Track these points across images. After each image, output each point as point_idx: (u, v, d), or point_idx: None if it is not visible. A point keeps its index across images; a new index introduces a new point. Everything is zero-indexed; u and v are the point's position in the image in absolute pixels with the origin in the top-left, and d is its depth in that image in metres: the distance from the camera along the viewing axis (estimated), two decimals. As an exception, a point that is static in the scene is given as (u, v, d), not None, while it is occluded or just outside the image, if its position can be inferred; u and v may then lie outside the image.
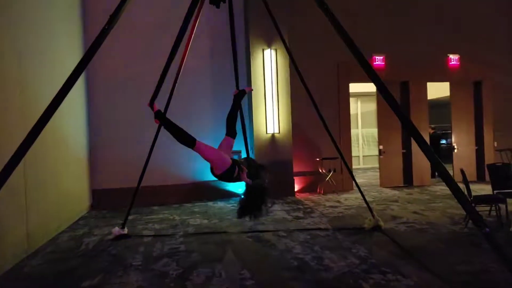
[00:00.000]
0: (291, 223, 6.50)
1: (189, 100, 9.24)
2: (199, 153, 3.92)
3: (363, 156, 17.31)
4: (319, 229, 6.02)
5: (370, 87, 13.99)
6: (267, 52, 9.32)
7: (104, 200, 8.73)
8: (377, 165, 16.15)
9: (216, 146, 4.18)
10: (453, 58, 10.57)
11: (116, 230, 5.89)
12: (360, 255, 4.59)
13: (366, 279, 3.81)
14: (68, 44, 7.57)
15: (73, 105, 7.75)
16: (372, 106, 17.98)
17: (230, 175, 3.97)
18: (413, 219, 6.46)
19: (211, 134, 9.40)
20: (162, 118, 4.17)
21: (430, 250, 4.73)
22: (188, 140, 3.91)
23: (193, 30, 5.44)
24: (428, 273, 3.94)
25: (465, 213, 6.09)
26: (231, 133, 4.41)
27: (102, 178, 8.88)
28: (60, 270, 4.53)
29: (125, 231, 5.95)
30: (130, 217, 7.26)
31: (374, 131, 17.08)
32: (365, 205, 7.70)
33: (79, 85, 8.26)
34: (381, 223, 5.81)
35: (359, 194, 9.25)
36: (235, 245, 5.28)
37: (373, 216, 5.87)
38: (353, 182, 6.30)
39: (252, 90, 4.66)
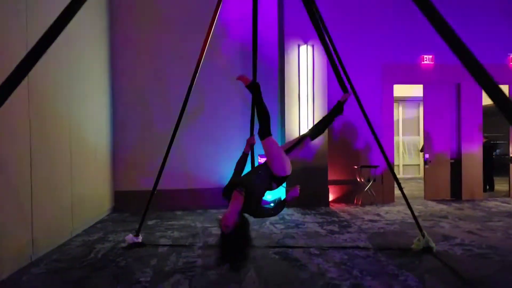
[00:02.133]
0: (325, 239, 5.73)
1: (217, 97, 8.68)
2: (265, 150, 3.78)
3: (403, 165, 16.24)
4: (358, 247, 5.21)
5: (413, 92, 13.11)
6: (303, 48, 8.58)
7: (127, 202, 8.26)
8: (417, 175, 15.16)
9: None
10: (514, 58, 9.46)
11: (130, 237, 5.32)
12: (410, 285, 3.78)
13: (421, 322, 3.01)
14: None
15: (96, 103, 7.33)
16: (414, 112, 16.89)
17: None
18: (470, 240, 5.53)
19: (243, 135, 8.78)
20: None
21: (500, 284, 3.84)
22: (268, 128, 3.79)
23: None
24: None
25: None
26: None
27: (126, 179, 8.43)
28: (57, 283, 3.98)
29: (140, 239, 5.37)
30: (150, 222, 6.79)
31: (416, 139, 16.07)
32: (409, 221, 6.91)
33: (104, 83, 7.86)
34: (433, 245, 4.94)
35: (401, 207, 8.46)
36: (259, 263, 4.57)
37: (422, 235, 5.01)
38: (401, 193, 5.43)
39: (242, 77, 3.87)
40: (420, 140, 15.58)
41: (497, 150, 14.19)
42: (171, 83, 8.48)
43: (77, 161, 6.18)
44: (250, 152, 4.41)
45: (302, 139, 4.21)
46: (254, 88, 3.92)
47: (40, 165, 4.91)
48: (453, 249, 5.10)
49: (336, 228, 6.40)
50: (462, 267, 4.31)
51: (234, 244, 3.31)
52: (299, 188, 3.69)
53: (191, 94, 5.40)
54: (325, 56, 8.57)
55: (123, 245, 5.32)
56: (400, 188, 5.38)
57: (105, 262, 4.62)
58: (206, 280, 4.00)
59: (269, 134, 3.84)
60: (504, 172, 11.92)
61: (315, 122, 4.61)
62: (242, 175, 3.92)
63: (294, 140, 4.28)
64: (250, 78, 4.21)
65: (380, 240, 5.61)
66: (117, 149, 8.37)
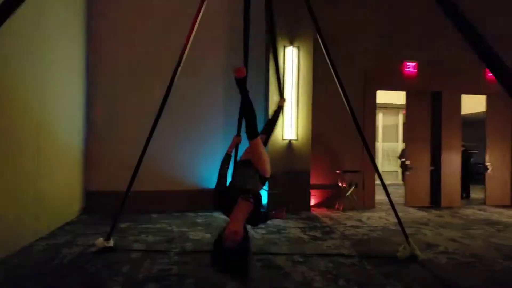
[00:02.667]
0: (308, 245, 5.51)
1: (195, 102, 8.38)
2: (254, 150, 3.44)
3: (382, 171, 16.26)
4: (342, 255, 5.00)
5: (393, 99, 13.12)
6: (289, 49, 8.38)
7: (98, 203, 7.81)
8: (396, 182, 15.18)
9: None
10: (493, 68, 9.50)
11: (100, 241, 4.96)
12: (399, 297, 3.59)
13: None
14: None
15: (67, 97, 6.91)
16: (394, 119, 16.99)
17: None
18: (453, 248, 5.41)
19: (222, 136, 8.52)
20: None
21: (490, 296, 3.70)
22: (255, 128, 3.41)
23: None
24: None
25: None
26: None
27: (98, 179, 7.99)
28: (19, 292, 3.62)
29: (111, 243, 5.02)
30: (123, 225, 6.44)
31: (395, 145, 16.15)
32: (391, 227, 6.82)
33: (78, 76, 7.45)
34: (418, 253, 4.79)
35: (382, 213, 8.35)
36: (239, 271, 4.28)
37: (408, 243, 4.85)
38: (388, 200, 5.25)
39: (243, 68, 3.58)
40: (398, 147, 15.67)
41: (472, 159, 14.38)
42: (148, 78, 8.13)
43: (45, 158, 5.77)
44: (233, 153, 4.13)
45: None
46: (244, 84, 3.63)
47: (1, 160, 4.50)
48: (437, 257, 4.96)
49: (318, 234, 6.19)
50: (449, 277, 4.16)
51: (235, 259, 2.86)
52: (285, 211, 3.45)
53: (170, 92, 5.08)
54: (312, 58, 8.47)
55: (93, 249, 4.95)
56: (388, 195, 5.20)
57: (71, 269, 4.25)
58: (183, 290, 3.71)
59: (258, 133, 3.60)
60: (476, 181, 12.08)
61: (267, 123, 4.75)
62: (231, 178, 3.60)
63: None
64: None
65: (364, 247, 5.43)
66: (89, 147, 7.94)
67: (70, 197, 7.05)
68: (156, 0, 8.36)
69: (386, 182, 13.76)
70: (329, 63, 4.92)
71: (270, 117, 4.84)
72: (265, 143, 4.00)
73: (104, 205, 7.75)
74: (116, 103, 8.10)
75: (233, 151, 4.18)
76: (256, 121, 3.64)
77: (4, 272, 4.13)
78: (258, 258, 4.81)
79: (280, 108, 4.84)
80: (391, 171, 16.08)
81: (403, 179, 11.96)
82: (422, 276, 4.20)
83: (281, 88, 5.93)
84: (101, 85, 8.02)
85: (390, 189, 12.28)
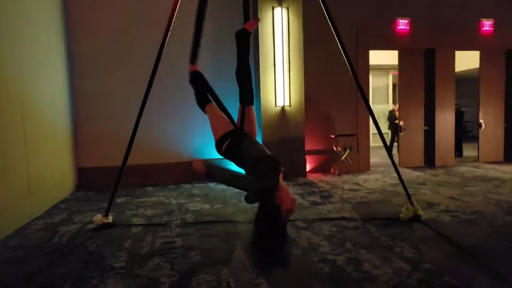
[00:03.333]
0: (309, 210, 5.46)
1: (184, 69, 8.04)
2: (253, 117, 3.48)
3: (372, 133, 16.26)
4: (345, 218, 4.97)
5: (383, 59, 12.94)
6: (278, 10, 8.08)
7: (92, 179, 7.67)
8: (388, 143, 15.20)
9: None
10: (486, 24, 9.35)
11: (99, 218, 4.84)
12: (408, 257, 3.56)
13: (431, 298, 2.78)
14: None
15: (50, 71, 6.59)
16: (383, 80, 16.85)
17: (227, 151, 3.29)
18: (454, 206, 5.41)
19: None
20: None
21: (497, 251, 3.68)
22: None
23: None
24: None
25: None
26: (241, 98, 3.38)
27: (89, 155, 7.79)
28: (16, 274, 3.49)
29: (109, 219, 4.90)
30: (119, 200, 6.33)
31: (386, 107, 16.08)
32: (390, 189, 6.81)
33: (59, 48, 7.09)
34: (421, 213, 4.77)
35: (378, 175, 8.35)
36: (245, 240, 4.23)
37: (411, 203, 4.82)
38: (391, 162, 5.14)
39: (258, 20, 3.26)
40: (389, 109, 15.61)
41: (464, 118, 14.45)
42: (135, 47, 7.82)
43: (33, 137, 5.56)
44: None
45: None
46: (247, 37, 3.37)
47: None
48: (440, 216, 4.96)
49: (318, 199, 6.15)
50: (454, 235, 4.14)
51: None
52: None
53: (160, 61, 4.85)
54: (301, 19, 8.19)
55: (91, 226, 4.84)
56: (391, 158, 5.11)
57: (71, 247, 4.14)
58: (189, 262, 3.62)
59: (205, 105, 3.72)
60: (468, 138, 12.14)
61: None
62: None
63: None
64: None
65: (365, 209, 5.41)
66: (78, 123, 7.69)
67: (62, 175, 6.87)
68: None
69: (377, 144, 13.78)
70: (329, 21, 4.68)
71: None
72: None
73: (97, 181, 7.62)
74: (101, 76, 7.78)
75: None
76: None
77: (4, 253, 4.01)
78: (260, 226, 4.74)
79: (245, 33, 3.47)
80: (383, 133, 16.09)
81: (393, 140, 11.99)
82: (427, 235, 4.19)
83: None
84: (84, 58, 7.67)
85: (381, 151, 12.41)
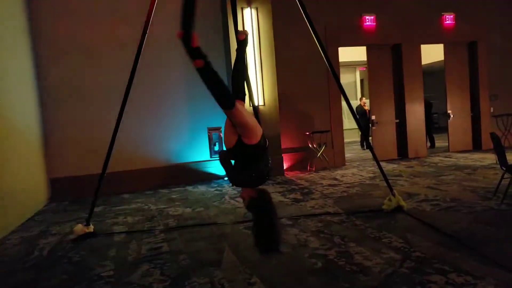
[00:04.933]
0: (292, 208, 5.47)
1: (156, 70, 7.95)
2: (235, 118, 2.63)
3: (344, 129, 16.50)
4: (329, 213, 5.01)
5: (349, 56, 13.16)
6: (247, 11, 8.08)
7: (65, 190, 7.41)
8: (357, 139, 15.46)
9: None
10: (448, 17, 9.67)
11: (79, 228, 4.67)
12: (397, 247, 3.62)
13: (425, 285, 2.82)
14: None
15: (16, 77, 6.33)
16: (351, 77, 17.17)
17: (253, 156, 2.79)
18: (433, 195, 5.55)
19: (187, 108, 8.22)
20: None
21: (481, 236, 3.79)
22: (228, 99, 2.54)
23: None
24: (499, 269, 3.00)
25: (494, 186, 5.29)
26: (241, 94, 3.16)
27: (62, 164, 7.52)
28: (2, 291, 3.34)
29: (91, 228, 4.74)
30: (97, 209, 6.08)
31: (355, 103, 16.36)
32: (368, 182, 6.93)
33: (25, 55, 6.82)
34: (403, 203, 4.87)
35: (354, 170, 8.48)
36: (232, 241, 4.19)
37: (393, 194, 4.91)
38: (372, 155, 5.23)
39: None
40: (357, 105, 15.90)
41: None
42: (106, 54, 7.63)
43: (3, 147, 5.32)
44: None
45: None
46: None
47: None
48: (421, 205, 5.08)
49: (299, 196, 6.18)
50: (438, 222, 4.24)
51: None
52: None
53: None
54: (271, 19, 8.21)
55: (72, 237, 4.66)
56: (373, 152, 5.20)
57: (54, 259, 3.98)
58: (179, 266, 3.55)
59: (232, 104, 3.31)
60: (436, 129, 12.48)
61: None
62: None
63: None
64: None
65: (347, 204, 5.47)
66: (48, 132, 7.42)
67: (35, 187, 6.62)
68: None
69: (349, 139, 13.95)
70: (306, 20, 4.74)
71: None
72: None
73: (70, 191, 7.38)
74: (69, 85, 7.53)
75: None
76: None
77: (-20, 271, 3.81)
78: (245, 225, 4.71)
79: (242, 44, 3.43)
80: (353, 128, 16.34)
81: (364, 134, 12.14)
82: (412, 225, 4.28)
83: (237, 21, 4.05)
84: (52, 61, 7.41)
85: (354, 146, 12.62)
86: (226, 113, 2.68)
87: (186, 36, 2.47)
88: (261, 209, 2.72)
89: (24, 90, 6.63)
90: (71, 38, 7.49)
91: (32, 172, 6.55)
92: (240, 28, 5.06)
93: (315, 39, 4.79)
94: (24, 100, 6.54)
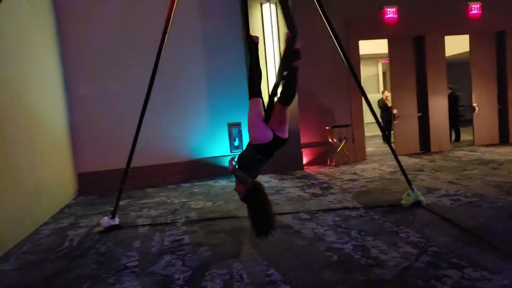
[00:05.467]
0: (311, 202, 5.55)
1: (178, 67, 8.10)
2: (285, 115, 3.45)
3: (365, 123, 16.37)
4: (347, 208, 5.07)
5: (371, 49, 13.03)
6: (266, 6, 8.13)
7: (92, 184, 7.70)
8: (379, 133, 15.31)
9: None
10: (474, 7, 9.46)
11: (106, 220, 4.89)
12: (414, 241, 3.66)
13: (440, 279, 2.86)
14: None
15: (45, 78, 6.60)
16: (374, 70, 16.96)
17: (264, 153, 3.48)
18: (454, 190, 5.53)
19: (206, 103, 8.36)
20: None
21: (501, 231, 3.79)
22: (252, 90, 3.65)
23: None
24: (516, 264, 3.01)
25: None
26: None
27: (88, 160, 7.81)
28: (36, 278, 3.55)
29: (116, 221, 4.95)
30: (121, 203, 6.31)
31: (377, 96, 16.20)
32: (388, 177, 6.92)
33: (52, 54, 7.08)
34: (422, 198, 4.88)
35: (375, 164, 8.46)
36: (251, 234, 4.30)
37: (412, 189, 4.92)
38: (390, 149, 5.27)
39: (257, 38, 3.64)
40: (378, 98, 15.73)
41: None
42: (129, 51, 7.83)
43: (37, 144, 5.62)
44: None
45: (273, 107, 3.41)
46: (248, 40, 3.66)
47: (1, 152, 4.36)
48: (441, 200, 5.07)
49: (318, 191, 6.24)
50: (457, 218, 4.24)
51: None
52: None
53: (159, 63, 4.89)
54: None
55: (99, 229, 4.89)
56: (390, 146, 5.22)
57: (83, 250, 4.19)
58: (199, 258, 3.70)
59: (250, 95, 3.63)
60: (463, 122, 12.26)
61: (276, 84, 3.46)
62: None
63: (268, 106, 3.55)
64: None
65: (366, 198, 5.51)
66: (75, 128, 7.70)
67: (64, 181, 6.90)
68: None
69: (371, 133, 13.89)
70: (322, 14, 4.74)
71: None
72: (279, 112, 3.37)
73: (97, 185, 7.65)
74: (95, 82, 7.78)
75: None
76: (252, 84, 3.60)
77: (20, 259, 4.06)
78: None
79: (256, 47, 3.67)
80: (375, 122, 16.19)
81: (387, 128, 12.00)
82: (430, 220, 4.29)
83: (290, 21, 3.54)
84: (79, 63, 7.67)
85: (375, 140, 12.54)
86: (283, 110, 3.35)
87: (293, 39, 3.24)
88: (256, 200, 3.35)
89: (53, 90, 6.90)
90: (95, 39, 7.72)
91: (61, 168, 6.83)
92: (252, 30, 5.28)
93: (330, 31, 4.79)
94: (53, 100, 6.82)
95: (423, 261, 3.19)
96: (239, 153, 3.58)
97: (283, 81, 3.34)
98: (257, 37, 3.80)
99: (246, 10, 4.10)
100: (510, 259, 3.10)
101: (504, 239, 3.56)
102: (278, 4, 8.09)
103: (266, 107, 3.50)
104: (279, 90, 3.38)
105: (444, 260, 3.16)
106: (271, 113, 3.39)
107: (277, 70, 3.69)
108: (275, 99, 3.37)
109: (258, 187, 3.45)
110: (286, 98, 3.33)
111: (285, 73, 3.32)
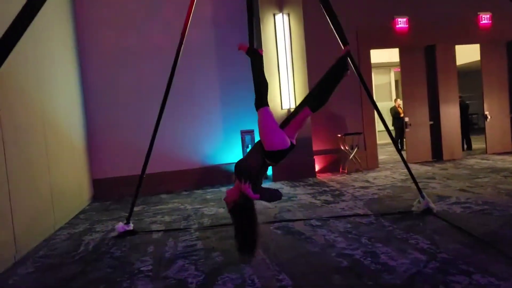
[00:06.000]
0: (322, 209, 5.61)
1: (192, 75, 8.27)
2: (258, 120, 3.59)
3: (378, 131, 16.34)
4: (358, 215, 5.11)
5: (384, 57, 13.09)
6: (279, 17, 8.27)
7: (106, 190, 7.89)
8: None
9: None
10: (484, 17, 9.47)
11: (120, 226, 5.01)
12: (423, 248, 3.69)
13: (448, 285, 2.90)
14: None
15: (64, 85, 6.80)
16: (386, 78, 16.95)
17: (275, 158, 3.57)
18: (465, 198, 5.53)
19: (220, 110, 8.50)
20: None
21: (511, 239, 3.81)
22: (261, 98, 3.62)
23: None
24: (524, 271, 3.04)
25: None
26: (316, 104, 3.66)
27: (103, 166, 8.02)
28: (52, 281, 3.67)
29: (131, 226, 5.07)
30: (136, 209, 6.43)
31: (389, 104, 16.18)
32: (399, 184, 6.94)
33: (70, 62, 7.30)
34: (433, 205, 4.90)
35: (387, 172, 8.47)
36: (262, 240, 4.34)
37: (422, 197, 4.95)
38: (400, 158, 5.30)
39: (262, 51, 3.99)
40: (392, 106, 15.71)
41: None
42: (144, 60, 8.04)
43: (53, 150, 5.77)
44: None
45: (299, 109, 3.69)
46: (253, 53, 3.78)
47: (16, 156, 4.50)
48: (452, 208, 5.08)
49: (330, 198, 6.29)
50: (467, 225, 4.26)
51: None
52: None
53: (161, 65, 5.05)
54: (302, 24, 8.35)
55: (114, 234, 5.01)
56: (400, 154, 5.26)
57: (98, 254, 4.31)
58: (212, 263, 3.78)
59: (261, 105, 3.64)
60: (475, 131, 12.19)
61: (313, 87, 3.83)
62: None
63: (292, 112, 3.84)
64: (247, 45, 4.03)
65: (377, 205, 5.54)
66: (91, 135, 7.91)
67: (80, 187, 7.07)
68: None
69: (383, 141, 13.89)
70: (330, 23, 4.84)
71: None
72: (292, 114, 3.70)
73: (111, 191, 7.82)
74: (110, 91, 7.99)
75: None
76: (262, 92, 3.69)
77: (37, 262, 4.19)
78: (276, 226, 4.91)
79: (343, 61, 3.83)
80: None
81: (399, 136, 11.98)
82: (440, 227, 4.32)
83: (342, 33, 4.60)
84: (95, 71, 7.90)
85: (387, 148, 12.52)
86: (308, 116, 3.62)
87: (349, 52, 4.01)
88: (242, 214, 3.27)
89: (70, 99, 7.09)
90: (112, 46, 7.96)
91: (77, 173, 7.00)
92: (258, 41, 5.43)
93: (339, 41, 4.87)
94: (70, 107, 7.00)
95: (432, 267, 3.23)
96: (241, 166, 3.42)
97: (318, 88, 3.66)
98: (261, 50, 4.01)
99: (252, 23, 4.27)
100: (518, 265, 3.12)
101: (514, 246, 3.58)
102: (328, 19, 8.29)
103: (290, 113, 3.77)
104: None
105: (453, 267, 3.19)
106: (292, 118, 3.60)
107: (321, 79, 3.75)
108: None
109: (248, 204, 3.31)
110: (318, 105, 3.57)
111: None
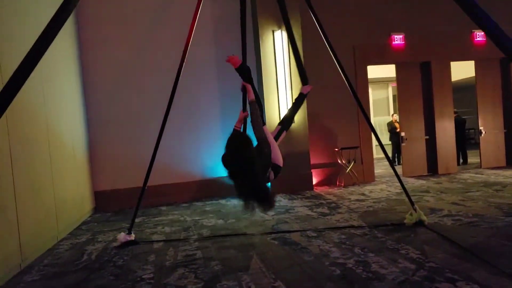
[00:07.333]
0: (318, 221, 5.77)
1: (193, 90, 8.50)
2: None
3: (375, 145, 16.55)
4: (353, 226, 5.28)
5: (382, 72, 13.35)
6: (278, 33, 8.54)
7: (108, 202, 8.05)
8: (389, 155, 15.48)
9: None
10: (479, 34, 9.75)
11: (122, 236, 5.17)
12: (413, 258, 3.86)
13: (434, 291, 3.07)
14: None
15: (68, 100, 7.01)
16: (383, 93, 17.22)
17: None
18: (456, 211, 5.71)
19: (220, 124, 8.70)
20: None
21: (496, 249, 3.97)
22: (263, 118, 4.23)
23: (196, 15, 5.09)
24: (509, 279, 3.20)
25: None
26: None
27: (104, 178, 8.18)
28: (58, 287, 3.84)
29: (132, 236, 5.23)
30: (137, 220, 6.59)
31: (387, 119, 16.42)
32: (394, 197, 7.11)
33: (74, 78, 7.54)
34: (424, 218, 5.07)
35: (383, 186, 8.66)
36: (260, 250, 4.55)
37: (414, 209, 5.12)
38: (393, 172, 5.49)
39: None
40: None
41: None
42: (146, 75, 8.27)
43: (57, 164, 5.95)
44: (242, 127, 4.36)
45: (280, 131, 4.46)
46: (244, 70, 4.00)
47: (22, 168, 4.68)
48: (443, 220, 5.26)
49: (326, 210, 6.46)
50: (456, 236, 4.43)
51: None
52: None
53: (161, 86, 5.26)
54: (301, 41, 8.61)
55: (115, 244, 5.17)
56: (393, 168, 5.45)
57: (101, 263, 4.47)
58: (211, 271, 3.94)
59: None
60: (470, 146, 12.40)
61: (285, 114, 4.89)
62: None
63: (275, 130, 4.50)
64: (240, 59, 4.26)
65: (372, 218, 5.71)
66: (93, 148, 8.10)
67: (82, 198, 7.23)
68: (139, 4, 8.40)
69: (380, 155, 14.03)
70: (324, 39, 5.10)
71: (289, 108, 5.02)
72: (277, 134, 4.39)
73: (112, 203, 7.98)
74: (113, 106, 8.21)
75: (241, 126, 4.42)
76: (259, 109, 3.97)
77: (39, 272, 4.33)
78: (273, 237, 5.06)
79: (301, 96, 4.97)
80: (385, 144, 16.34)
81: (396, 151, 12.21)
82: (430, 238, 4.49)
83: (303, 73, 5.41)
84: (98, 86, 8.13)
85: (385, 162, 12.70)
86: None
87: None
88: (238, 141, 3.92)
89: (73, 112, 7.29)
90: (114, 63, 8.19)
91: (79, 186, 7.17)
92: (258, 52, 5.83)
93: (333, 57, 5.12)
94: (73, 121, 7.20)
95: (420, 275, 3.40)
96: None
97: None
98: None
99: (245, 40, 4.55)
100: (500, 274, 3.29)
101: (498, 256, 3.74)
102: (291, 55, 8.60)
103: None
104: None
105: (439, 275, 3.36)
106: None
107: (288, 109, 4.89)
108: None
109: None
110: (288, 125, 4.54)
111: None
